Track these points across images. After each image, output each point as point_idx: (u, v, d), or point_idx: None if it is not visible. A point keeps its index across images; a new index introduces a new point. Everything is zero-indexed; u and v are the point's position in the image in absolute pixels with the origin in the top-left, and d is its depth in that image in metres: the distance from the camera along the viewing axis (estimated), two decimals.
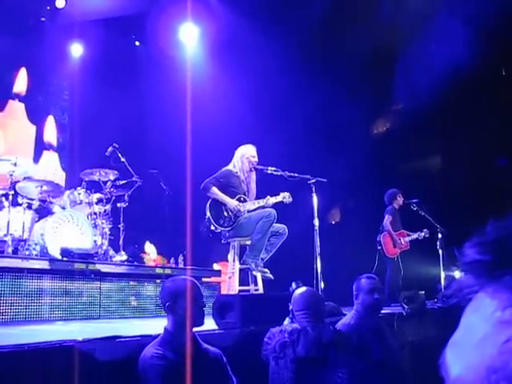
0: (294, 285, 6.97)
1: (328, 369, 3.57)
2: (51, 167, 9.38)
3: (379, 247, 8.72)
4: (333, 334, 3.71)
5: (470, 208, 9.23)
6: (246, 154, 6.54)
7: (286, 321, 3.99)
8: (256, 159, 6.56)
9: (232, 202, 6.26)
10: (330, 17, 10.27)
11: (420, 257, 9.11)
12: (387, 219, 8.74)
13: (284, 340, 3.62)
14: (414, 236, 8.78)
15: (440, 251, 8.70)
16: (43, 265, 6.32)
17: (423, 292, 6.96)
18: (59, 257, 6.76)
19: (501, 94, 10.44)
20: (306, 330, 3.66)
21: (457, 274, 7.95)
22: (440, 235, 8.75)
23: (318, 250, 6.18)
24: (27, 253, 6.77)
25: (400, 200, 8.96)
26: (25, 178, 7.61)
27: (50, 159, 9.73)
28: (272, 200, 6.40)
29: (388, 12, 9.70)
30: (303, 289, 4.02)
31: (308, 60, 10.80)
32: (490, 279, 0.66)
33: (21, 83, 10.12)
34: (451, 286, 0.73)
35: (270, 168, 6.47)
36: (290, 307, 3.96)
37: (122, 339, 3.56)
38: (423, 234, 8.77)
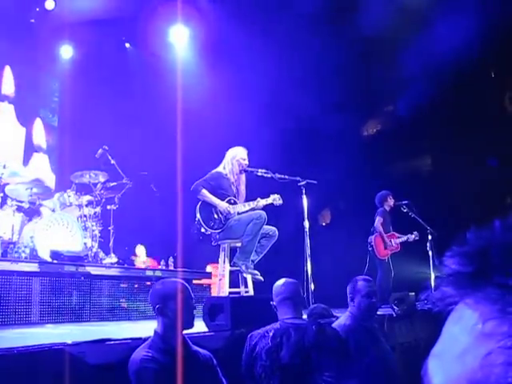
0: None
1: (313, 372, 3.57)
2: (41, 169, 9.35)
3: (370, 249, 8.73)
4: (316, 335, 3.71)
5: (460, 209, 9.28)
6: (236, 156, 6.53)
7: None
8: (246, 162, 6.54)
9: (222, 204, 6.25)
10: (321, 17, 10.29)
11: (410, 258, 9.13)
12: (378, 221, 8.76)
13: (268, 346, 3.62)
14: (404, 238, 8.81)
15: (430, 252, 8.72)
16: (33, 267, 6.30)
17: (413, 293, 6.97)
18: (49, 259, 6.74)
19: (490, 96, 10.50)
20: (288, 333, 3.66)
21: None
22: (430, 237, 8.78)
23: (308, 251, 6.19)
24: (16, 255, 6.74)
25: (391, 202, 8.98)
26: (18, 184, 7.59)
27: (40, 161, 9.71)
28: (262, 202, 6.39)
29: (378, 13, 9.72)
30: (282, 280, 4.06)
31: (298, 61, 10.83)
32: (470, 290, 0.66)
33: (8, 84, 10.08)
34: (433, 295, 0.73)
35: (260, 170, 6.46)
36: (272, 302, 3.98)
37: (112, 342, 3.56)
38: (413, 236, 8.80)
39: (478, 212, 8.49)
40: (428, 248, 8.76)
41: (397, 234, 8.87)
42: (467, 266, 0.67)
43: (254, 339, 3.75)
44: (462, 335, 0.65)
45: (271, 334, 3.67)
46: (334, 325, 4.33)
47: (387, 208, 8.96)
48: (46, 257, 6.79)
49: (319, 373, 3.57)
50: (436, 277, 8.56)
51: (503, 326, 0.61)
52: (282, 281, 4.05)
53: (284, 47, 10.60)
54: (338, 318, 4.59)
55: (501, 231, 0.67)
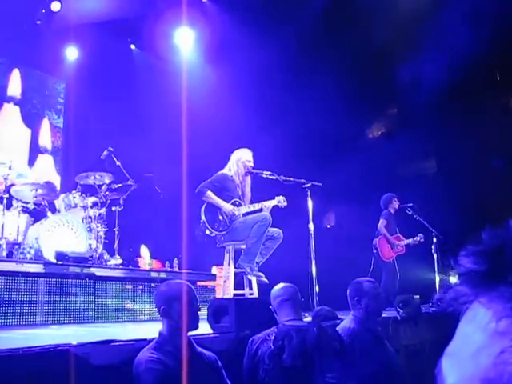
0: None
1: (315, 374, 3.57)
2: (46, 170, 9.37)
3: (375, 251, 8.72)
4: (317, 337, 3.70)
5: (465, 211, 9.25)
6: (241, 158, 6.53)
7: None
8: (252, 164, 6.54)
9: (227, 206, 6.25)
10: (326, 21, 10.29)
11: (415, 261, 9.11)
12: (382, 223, 8.75)
13: (271, 349, 3.62)
14: (409, 241, 8.79)
15: (435, 255, 8.70)
16: (38, 268, 6.31)
17: (418, 296, 6.95)
18: (54, 260, 6.75)
19: (495, 98, 10.48)
20: (290, 335, 3.66)
21: (452, 278, 7.96)
22: (435, 239, 8.76)
23: (312, 253, 6.18)
24: (22, 256, 6.76)
25: (395, 204, 8.96)
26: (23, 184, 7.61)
27: (45, 162, 9.73)
28: (267, 204, 6.39)
29: (381, 16, 9.72)
30: (281, 285, 4.09)
31: (304, 63, 10.83)
32: (484, 289, 0.66)
33: (15, 86, 10.12)
34: (447, 294, 0.73)
35: (265, 172, 6.46)
36: (271, 306, 3.99)
37: (117, 343, 3.55)
38: (418, 238, 8.77)
39: (484, 214, 8.47)
40: (433, 251, 8.75)
41: (401, 237, 8.86)
42: (481, 265, 0.67)
43: (255, 343, 3.75)
44: (476, 334, 0.65)
45: (273, 338, 3.67)
46: (338, 328, 4.29)
47: (392, 210, 8.95)
48: (51, 258, 6.81)
49: (321, 374, 3.57)
50: (441, 279, 8.55)
51: None
52: (280, 285, 4.08)
53: (290, 50, 10.60)
54: (342, 320, 4.57)
55: None
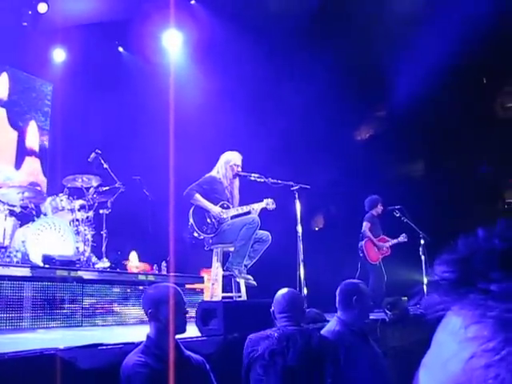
0: None
1: (316, 377, 3.56)
2: (33, 173, 9.31)
3: (361, 254, 8.74)
4: (319, 342, 3.70)
5: (453, 214, 9.30)
6: (230, 161, 6.53)
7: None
8: (240, 168, 6.54)
9: (215, 209, 6.24)
10: (315, 23, 10.32)
11: (403, 263, 9.15)
12: (366, 226, 8.79)
13: (273, 347, 3.59)
14: (394, 241, 8.83)
15: (422, 257, 8.74)
16: (24, 272, 6.26)
17: (406, 298, 6.98)
18: (41, 264, 6.70)
19: (482, 102, 10.55)
20: (294, 338, 3.64)
21: None
22: (422, 241, 8.80)
23: (301, 256, 6.18)
24: (8, 260, 6.70)
25: (379, 209, 8.99)
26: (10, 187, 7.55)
27: (32, 165, 9.67)
28: (255, 206, 6.39)
29: (371, 19, 9.76)
30: (285, 290, 3.99)
31: (291, 66, 10.85)
32: (456, 297, 0.67)
33: (2, 88, 10.06)
34: (422, 302, 0.74)
35: (253, 174, 6.46)
36: (272, 309, 3.95)
37: (104, 347, 3.54)
38: (401, 238, 8.83)
39: (471, 216, 8.54)
40: (421, 253, 8.79)
41: (387, 238, 8.89)
42: (452, 274, 0.68)
43: (253, 341, 3.71)
44: (448, 342, 0.65)
45: (276, 336, 3.64)
46: (323, 331, 4.23)
47: (375, 213, 8.98)
48: (38, 261, 6.76)
49: (323, 379, 3.56)
50: (429, 281, 8.58)
51: (484, 329, 0.62)
52: (284, 290, 3.97)
53: (278, 51, 10.62)
54: None
55: (483, 238, 0.68)
